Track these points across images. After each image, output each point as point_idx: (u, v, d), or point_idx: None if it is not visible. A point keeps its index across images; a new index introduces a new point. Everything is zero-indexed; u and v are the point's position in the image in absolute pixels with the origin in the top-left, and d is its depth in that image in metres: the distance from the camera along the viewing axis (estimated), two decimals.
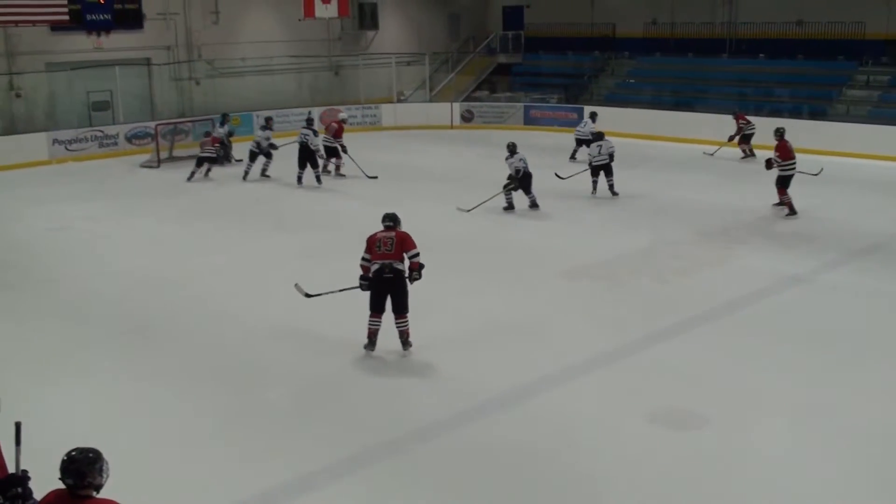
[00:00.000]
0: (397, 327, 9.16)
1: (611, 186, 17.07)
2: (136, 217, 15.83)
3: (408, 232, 9.13)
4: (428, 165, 19.95)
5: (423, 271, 9.11)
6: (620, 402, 8.09)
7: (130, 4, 23.49)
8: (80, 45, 23.18)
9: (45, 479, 4.60)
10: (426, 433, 7.56)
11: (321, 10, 26.63)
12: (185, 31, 25.58)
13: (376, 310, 9.13)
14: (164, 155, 21.21)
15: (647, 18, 29.04)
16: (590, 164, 17.12)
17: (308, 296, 9.71)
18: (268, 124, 19.56)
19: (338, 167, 19.35)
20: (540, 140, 24.43)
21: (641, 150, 22.38)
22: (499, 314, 10.47)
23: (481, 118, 27.39)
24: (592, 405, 8.05)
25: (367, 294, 9.15)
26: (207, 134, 20.28)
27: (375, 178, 18.76)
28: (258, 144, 19.10)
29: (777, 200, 15.43)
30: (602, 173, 16.95)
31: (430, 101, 28.54)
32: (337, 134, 19.17)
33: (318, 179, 18.38)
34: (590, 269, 12.21)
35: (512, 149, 15.67)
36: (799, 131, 21.45)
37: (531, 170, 15.65)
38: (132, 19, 23.67)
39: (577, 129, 20.98)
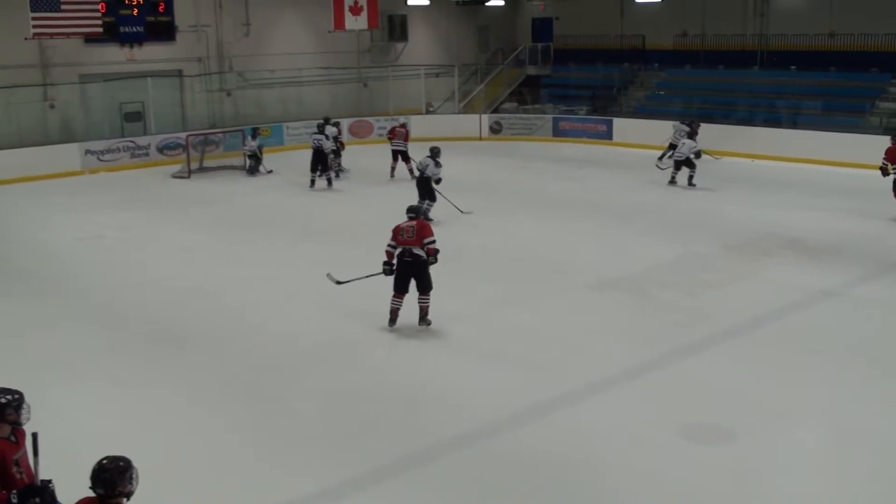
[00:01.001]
0: (419, 303, 10.14)
1: (690, 177, 19.04)
2: (167, 227, 15.97)
3: (426, 223, 10.22)
4: (456, 176, 19.95)
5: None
6: (648, 416, 8.02)
7: (163, 17, 23.73)
8: (114, 56, 23.49)
9: (74, 482, 4.64)
10: (452, 444, 7.54)
11: (351, 22, 26.75)
12: (216, 42, 25.84)
13: (398, 290, 10.13)
14: (194, 165, 21.42)
15: (678, 30, 28.90)
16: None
17: (339, 283, 10.66)
18: (336, 128, 20.94)
19: (411, 170, 19.90)
20: (569, 152, 24.45)
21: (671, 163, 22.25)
22: (526, 326, 10.44)
23: (510, 130, 27.40)
24: (620, 418, 8.00)
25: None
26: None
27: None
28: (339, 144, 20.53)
29: None
30: (685, 168, 18.95)
31: (459, 112, 28.59)
32: (406, 138, 20.33)
33: (329, 182, 19.33)
34: (618, 281, 12.14)
35: (434, 153, 16.00)
36: (831, 144, 21.40)
37: (430, 176, 15.77)
38: (164, 31, 23.91)
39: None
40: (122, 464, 4.51)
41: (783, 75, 25.44)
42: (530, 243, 14.47)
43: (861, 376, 8.90)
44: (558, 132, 26.85)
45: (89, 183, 20.58)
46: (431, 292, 10.10)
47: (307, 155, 19.66)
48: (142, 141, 22.81)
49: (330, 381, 8.99)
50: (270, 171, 21.12)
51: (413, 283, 10.05)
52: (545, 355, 9.55)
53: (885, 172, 15.62)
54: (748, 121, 23.85)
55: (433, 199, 15.80)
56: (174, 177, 21.05)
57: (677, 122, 21.69)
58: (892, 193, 15.49)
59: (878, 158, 20.21)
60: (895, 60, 23.88)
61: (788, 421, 7.91)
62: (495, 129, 27.50)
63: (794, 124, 23.01)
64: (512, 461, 7.25)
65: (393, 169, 20.47)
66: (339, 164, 20.78)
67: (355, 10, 26.61)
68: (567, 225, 15.70)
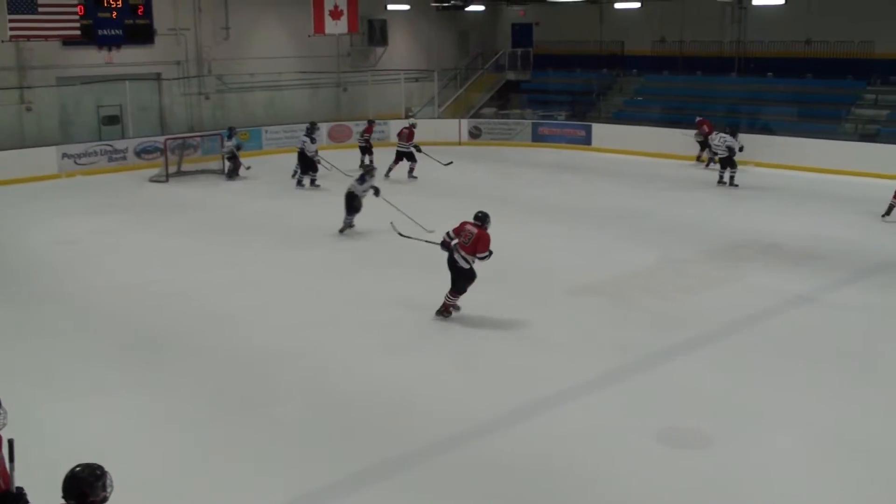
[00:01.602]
0: (444, 297, 10.53)
1: (731, 178, 19.70)
2: (145, 231, 15.88)
3: (489, 235, 10.32)
4: (435, 181, 19.99)
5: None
6: (628, 420, 8.06)
7: (141, 20, 23.62)
8: (91, 59, 23.35)
9: (50, 491, 4.60)
10: (432, 450, 7.54)
11: (331, 27, 26.73)
12: (195, 46, 25.73)
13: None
14: (172, 169, 21.28)
15: (656, 36, 29.08)
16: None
17: (401, 235, 11.66)
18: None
19: (411, 169, 20.98)
20: (548, 157, 24.50)
21: (649, 169, 22.40)
22: (505, 331, 10.46)
23: (489, 135, 27.43)
24: (600, 423, 8.04)
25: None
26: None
27: (451, 163, 21.18)
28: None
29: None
30: (728, 166, 19.79)
31: (439, 117, 28.60)
32: (409, 138, 20.89)
33: (313, 183, 19.70)
34: (596, 286, 12.19)
35: (366, 170, 15.87)
36: (807, 150, 21.60)
37: (360, 194, 15.25)
38: (143, 34, 23.80)
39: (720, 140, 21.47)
40: (97, 472, 4.44)
41: (760, 82, 25.67)
42: (510, 248, 14.38)
43: (837, 380, 8.99)
44: (538, 137, 26.92)
45: (66, 186, 20.42)
46: (462, 295, 10.55)
47: (287, 159, 19.68)
48: (119, 144, 22.65)
49: (309, 386, 8.96)
50: (249, 168, 21.00)
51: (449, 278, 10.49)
52: (525, 360, 9.57)
53: None
54: (726, 127, 23.97)
55: (350, 212, 15.35)
56: (152, 181, 20.91)
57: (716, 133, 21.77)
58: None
59: (855, 165, 20.53)
60: (871, 67, 24.12)
61: (766, 424, 7.97)
62: (474, 134, 27.54)
63: (770, 130, 23.17)
64: (491, 467, 7.26)
65: (411, 170, 20.97)
66: (371, 162, 21.40)
67: (335, 15, 26.60)
68: (546, 230, 15.74)
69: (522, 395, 8.62)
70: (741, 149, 19.63)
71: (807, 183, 20.15)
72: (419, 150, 20.77)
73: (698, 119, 22.61)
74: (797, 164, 21.41)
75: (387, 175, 20.44)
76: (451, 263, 10.42)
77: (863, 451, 7.47)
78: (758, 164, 21.84)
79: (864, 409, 8.29)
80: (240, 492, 6.88)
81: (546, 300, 11.70)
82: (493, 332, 10.43)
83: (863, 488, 6.91)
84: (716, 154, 20.18)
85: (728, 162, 19.60)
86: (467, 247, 10.23)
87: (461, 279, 10.41)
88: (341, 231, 15.42)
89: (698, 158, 22.88)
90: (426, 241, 11.04)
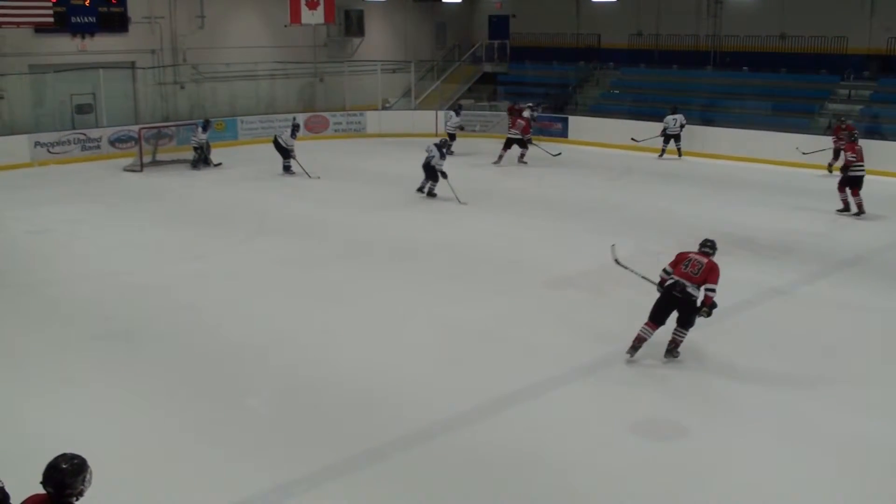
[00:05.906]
0: (673, 334, 9.27)
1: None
2: (118, 221, 15.75)
3: (717, 265, 9.16)
4: (411, 173, 19.94)
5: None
6: (603, 413, 8.10)
7: (116, 7, 23.39)
8: (64, 47, 23.09)
9: (23, 481, 4.56)
10: (407, 441, 7.54)
11: (307, 17, 26.60)
12: (170, 34, 25.51)
13: (653, 320, 9.21)
14: (147, 159, 21.10)
15: (633, 30, 29.18)
16: None
17: (617, 262, 10.22)
18: (457, 113, 23.57)
19: (522, 155, 21.95)
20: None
21: (625, 161, 22.47)
22: (482, 323, 10.46)
23: (466, 126, 27.34)
24: (575, 416, 8.06)
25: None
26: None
27: (559, 154, 22.01)
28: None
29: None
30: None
31: (415, 108, 28.54)
32: (524, 130, 21.79)
33: (287, 169, 19.92)
34: (572, 278, 12.22)
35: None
36: (781, 144, 21.75)
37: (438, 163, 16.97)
38: (117, 22, 23.56)
39: None
40: (76, 462, 4.45)
41: (735, 76, 25.82)
42: (486, 239, 14.50)
43: (812, 373, 9.05)
44: None
45: (39, 175, 20.19)
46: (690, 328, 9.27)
47: (261, 149, 19.57)
48: (93, 133, 22.43)
49: (285, 377, 8.93)
50: (219, 164, 20.89)
51: (673, 315, 9.25)
52: (501, 352, 9.58)
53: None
54: (701, 120, 24.12)
55: (436, 179, 17.30)
56: (126, 170, 20.73)
57: None
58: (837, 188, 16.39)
59: (828, 159, 20.59)
60: (844, 63, 24.34)
61: (742, 418, 8.02)
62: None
63: (745, 124, 23.31)
64: (469, 457, 7.27)
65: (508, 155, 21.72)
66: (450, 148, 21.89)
67: (312, 5, 26.47)
68: (523, 221, 15.77)
69: (497, 386, 8.63)
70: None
71: (780, 176, 20.29)
72: (531, 143, 21.84)
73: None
74: (771, 158, 21.56)
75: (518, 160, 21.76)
76: (677, 298, 9.09)
77: (835, 444, 7.53)
78: (731, 158, 21.98)
79: (837, 402, 8.37)
80: (216, 482, 6.83)
81: (523, 291, 11.71)
82: (468, 323, 10.43)
83: (834, 480, 6.98)
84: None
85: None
86: (696, 277, 9.05)
87: (691, 314, 9.16)
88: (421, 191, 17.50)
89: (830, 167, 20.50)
90: (642, 277, 9.78)
